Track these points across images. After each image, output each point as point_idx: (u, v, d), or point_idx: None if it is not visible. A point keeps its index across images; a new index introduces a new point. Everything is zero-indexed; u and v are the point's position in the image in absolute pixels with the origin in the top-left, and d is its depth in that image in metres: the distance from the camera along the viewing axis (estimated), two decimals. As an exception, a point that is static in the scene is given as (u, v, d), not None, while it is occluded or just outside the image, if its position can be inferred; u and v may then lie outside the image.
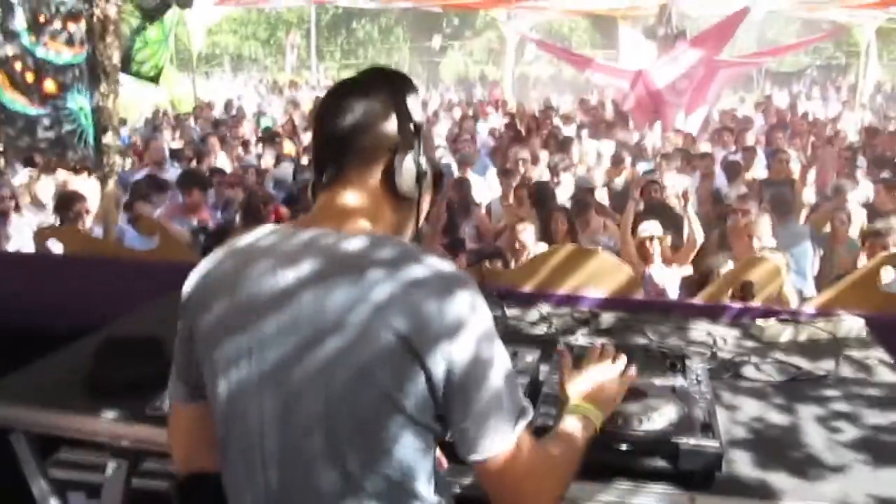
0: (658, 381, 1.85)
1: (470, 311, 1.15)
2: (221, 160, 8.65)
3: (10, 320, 3.19)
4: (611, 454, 1.60)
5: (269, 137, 9.97)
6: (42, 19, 3.54)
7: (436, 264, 1.16)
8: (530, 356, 2.01)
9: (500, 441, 1.15)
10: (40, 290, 3.62)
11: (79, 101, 3.69)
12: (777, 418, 1.94)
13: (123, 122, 10.73)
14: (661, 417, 1.64)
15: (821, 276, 5.28)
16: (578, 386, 1.43)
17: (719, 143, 9.41)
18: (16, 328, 3.03)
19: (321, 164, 1.27)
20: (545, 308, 2.81)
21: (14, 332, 2.89)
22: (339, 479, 1.14)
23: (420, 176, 1.26)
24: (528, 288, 3.27)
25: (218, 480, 1.29)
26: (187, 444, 1.37)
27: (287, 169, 8.16)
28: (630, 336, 2.52)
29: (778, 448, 1.78)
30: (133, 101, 13.51)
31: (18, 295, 3.51)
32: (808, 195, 6.81)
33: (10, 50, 3.51)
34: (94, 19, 3.71)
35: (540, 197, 5.81)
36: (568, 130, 10.69)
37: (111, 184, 4.03)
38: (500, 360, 1.17)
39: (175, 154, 8.97)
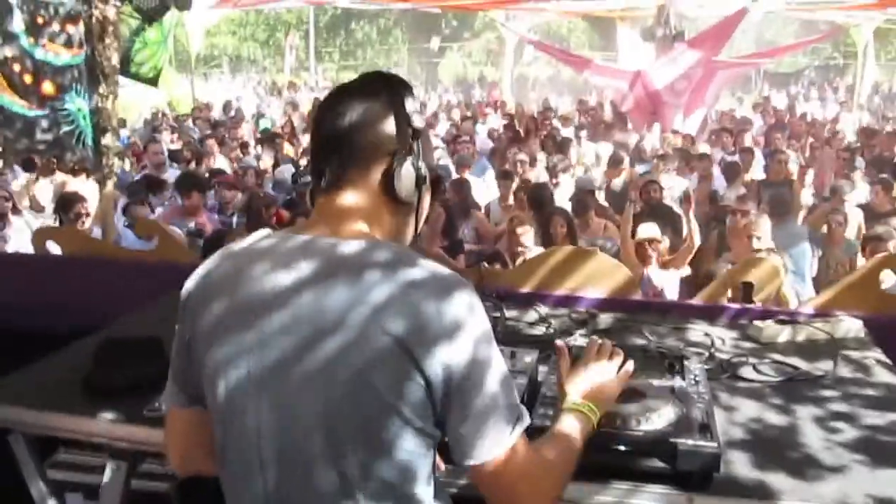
0: (656, 382, 1.85)
1: (468, 312, 1.15)
2: (220, 162, 8.65)
3: (10, 320, 3.19)
4: (609, 455, 1.60)
5: (268, 139, 9.97)
6: (40, 21, 3.53)
7: (432, 267, 1.17)
8: (528, 357, 2.01)
9: (496, 445, 1.15)
10: (40, 290, 3.62)
11: (77, 103, 3.69)
12: (775, 419, 1.95)
13: (123, 123, 10.73)
14: (659, 418, 1.64)
15: (819, 276, 5.29)
16: (577, 383, 1.44)
17: (718, 144, 9.42)
18: (15, 329, 3.03)
19: (320, 168, 1.27)
20: (543, 309, 2.81)
21: (13, 333, 2.89)
22: (338, 479, 1.14)
23: (419, 181, 1.26)
24: (526, 289, 3.27)
25: (216, 483, 1.29)
26: (184, 448, 1.37)
27: (287, 171, 8.16)
28: (628, 337, 2.52)
29: (776, 448, 1.78)
30: (132, 103, 13.50)
31: (18, 295, 3.50)
32: (806, 196, 6.83)
33: (8, 51, 3.50)
34: (93, 21, 3.71)
35: (538, 199, 5.81)
36: (566, 132, 10.70)
37: (110, 185, 4.03)
38: (498, 363, 1.17)
39: (173, 155, 8.97)
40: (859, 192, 6.89)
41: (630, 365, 1.51)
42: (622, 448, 1.62)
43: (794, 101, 18.80)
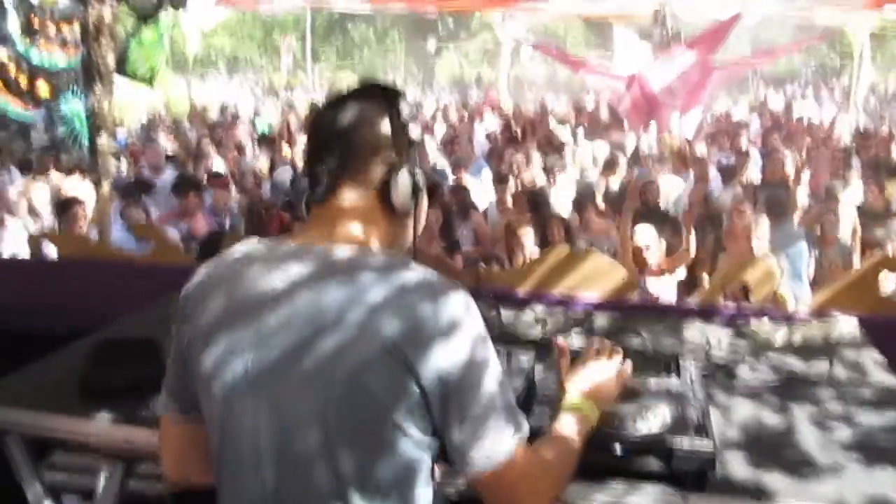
0: (652, 382, 1.86)
1: (465, 312, 1.15)
2: (217, 163, 8.64)
3: (8, 322, 3.19)
4: (605, 455, 1.60)
5: (265, 141, 9.96)
6: (36, 22, 3.53)
7: (425, 272, 1.18)
8: (525, 358, 2.01)
9: (496, 448, 1.15)
10: (37, 292, 3.61)
11: (73, 104, 3.69)
12: (771, 419, 1.95)
13: (120, 124, 10.72)
14: (655, 418, 1.64)
15: (816, 277, 5.30)
16: (576, 382, 1.44)
17: (714, 146, 9.44)
18: (13, 330, 3.03)
19: (315, 172, 1.27)
20: (540, 310, 2.81)
21: (11, 335, 2.89)
22: (335, 479, 1.14)
23: (416, 189, 1.27)
24: (523, 290, 3.27)
25: (211, 493, 1.29)
26: (178, 457, 1.37)
27: (285, 173, 8.15)
28: (625, 337, 2.52)
29: (771, 449, 1.79)
30: (128, 104, 13.45)
31: (16, 297, 3.50)
32: (802, 197, 6.84)
33: (3, 53, 3.50)
34: (89, 21, 3.70)
35: (536, 203, 5.81)
36: (563, 132, 10.71)
37: (106, 186, 4.02)
38: (495, 364, 1.18)
39: (170, 157, 8.96)
40: (855, 192, 6.90)
41: (629, 365, 1.51)
42: (618, 448, 1.62)
43: (791, 102, 18.83)
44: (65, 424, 1.97)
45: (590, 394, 1.42)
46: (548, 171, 7.27)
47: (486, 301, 2.67)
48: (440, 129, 11.86)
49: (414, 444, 1.15)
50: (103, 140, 3.85)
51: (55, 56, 3.59)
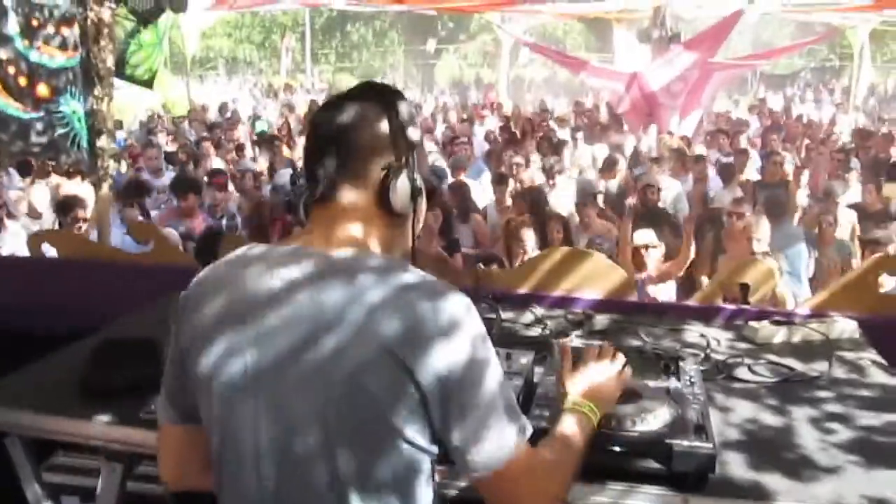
0: (652, 383, 1.85)
1: (465, 312, 1.15)
2: (216, 164, 8.64)
3: (8, 322, 3.18)
4: (604, 455, 1.60)
5: (265, 141, 9.96)
6: (35, 23, 3.52)
7: (423, 274, 1.18)
8: (524, 358, 2.01)
9: (498, 450, 1.14)
10: (38, 292, 3.61)
11: (72, 105, 3.68)
12: (770, 420, 1.95)
13: (119, 125, 10.72)
14: (654, 419, 1.64)
15: (816, 277, 5.30)
16: (577, 383, 1.44)
17: (714, 146, 9.44)
18: (14, 330, 3.02)
19: (314, 172, 1.26)
20: (539, 310, 2.81)
21: (12, 334, 2.89)
22: (334, 479, 1.14)
23: (415, 193, 1.27)
24: (522, 290, 3.27)
25: (211, 498, 1.29)
26: (177, 464, 1.37)
27: (286, 174, 8.15)
28: (624, 338, 2.52)
29: (771, 449, 1.79)
30: (127, 105, 13.49)
31: (16, 297, 3.50)
32: (802, 197, 6.85)
33: (2, 54, 3.49)
34: (88, 23, 3.70)
35: (536, 203, 5.81)
36: (563, 133, 10.71)
37: (105, 187, 4.02)
38: (496, 364, 1.18)
39: (170, 158, 8.97)
40: (854, 193, 6.91)
41: (628, 367, 1.51)
42: (617, 449, 1.62)
43: (790, 102, 18.84)
44: (64, 425, 1.96)
45: (591, 395, 1.42)
46: (547, 171, 7.27)
47: (485, 301, 2.68)
48: (439, 130, 11.88)
49: (414, 444, 1.15)
50: (102, 141, 3.85)
51: (55, 58, 3.59)
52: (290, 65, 28.15)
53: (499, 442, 1.14)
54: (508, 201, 6.39)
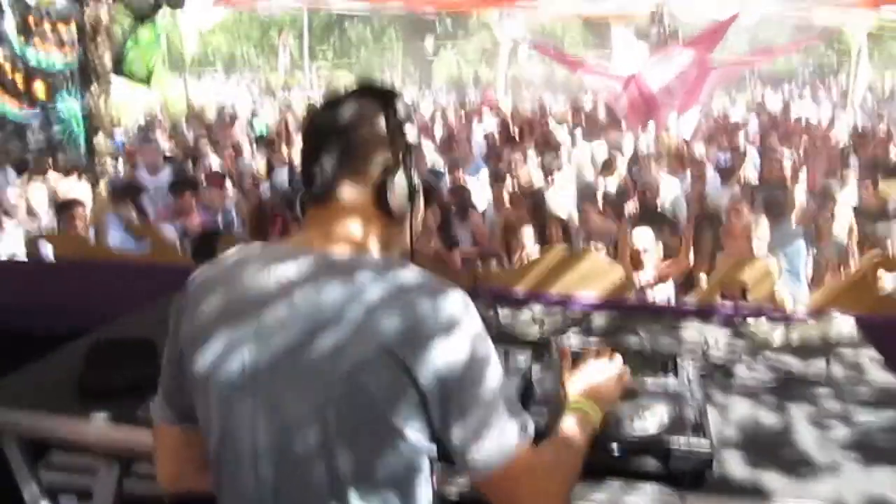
0: (650, 382, 1.86)
1: (464, 309, 1.15)
2: (215, 164, 8.63)
3: (7, 322, 3.18)
4: (603, 454, 1.60)
5: (263, 141, 9.95)
6: (32, 22, 3.52)
7: (422, 272, 1.18)
8: (522, 357, 2.01)
9: (498, 449, 1.14)
10: (36, 292, 3.61)
11: (69, 104, 3.69)
12: (768, 418, 1.95)
13: (117, 124, 10.71)
14: (652, 418, 1.64)
15: (814, 276, 5.31)
16: (576, 383, 1.44)
17: (712, 145, 9.44)
18: (13, 330, 3.02)
19: (311, 171, 1.26)
20: (538, 310, 2.81)
21: (11, 335, 2.89)
22: (333, 478, 1.14)
23: (412, 193, 1.26)
24: (520, 290, 3.27)
25: (209, 499, 1.29)
26: (173, 464, 1.37)
27: (283, 173, 8.14)
28: (622, 337, 2.52)
29: (769, 448, 1.79)
30: (125, 103, 13.45)
31: (15, 297, 3.50)
32: (800, 196, 6.85)
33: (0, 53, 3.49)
34: (85, 21, 3.70)
35: (534, 203, 5.81)
36: (561, 132, 10.71)
37: (102, 186, 4.02)
38: (496, 362, 1.17)
39: (168, 157, 8.94)
40: (852, 191, 6.91)
41: (627, 368, 1.51)
42: (616, 448, 1.62)
43: (789, 101, 18.84)
44: (61, 425, 1.96)
45: (591, 395, 1.42)
46: (545, 170, 7.26)
47: (483, 301, 2.67)
48: (438, 129, 11.87)
49: (413, 443, 1.14)
50: (100, 140, 3.86)
51: (52, 56, 3.59)
52: (288, 63, 28.10)
53: (499, 441, 1.14)
54: (507, 200, 6.38)
